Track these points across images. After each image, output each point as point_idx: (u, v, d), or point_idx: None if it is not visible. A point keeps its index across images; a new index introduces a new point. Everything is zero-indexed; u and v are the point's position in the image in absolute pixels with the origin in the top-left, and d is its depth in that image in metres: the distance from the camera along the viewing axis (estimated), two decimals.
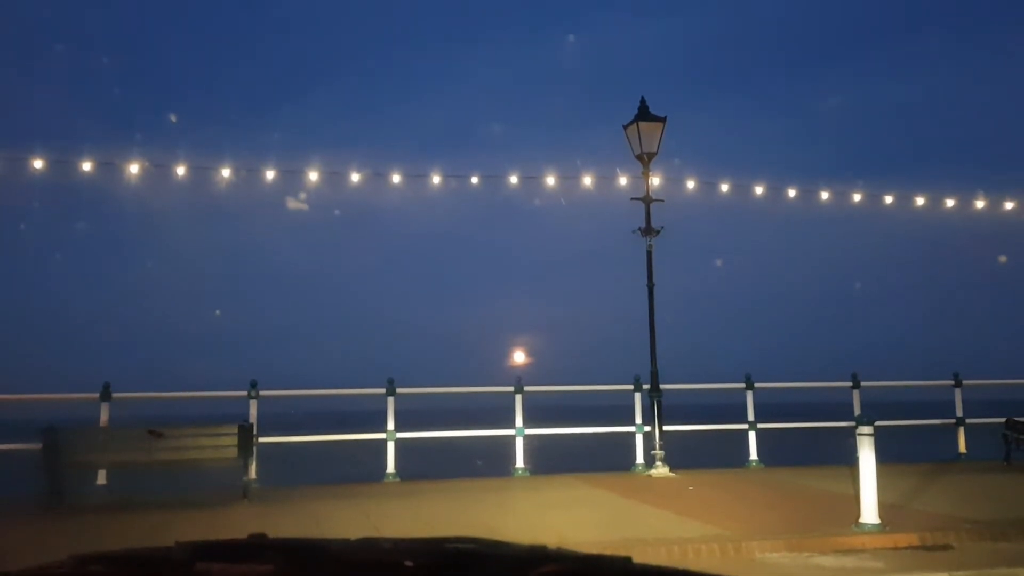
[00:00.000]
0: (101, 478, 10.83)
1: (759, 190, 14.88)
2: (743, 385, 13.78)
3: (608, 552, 1.46)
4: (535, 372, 14.49)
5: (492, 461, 14.35)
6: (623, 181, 13.90)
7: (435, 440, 13.01)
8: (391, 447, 12.05)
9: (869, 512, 7.85)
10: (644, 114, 12.86)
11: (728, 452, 14.06)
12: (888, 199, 15.59)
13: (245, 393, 11.76)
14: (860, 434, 8.29)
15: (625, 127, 13.05)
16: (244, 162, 13.32)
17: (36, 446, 9.79)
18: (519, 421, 12.62)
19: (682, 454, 12.91)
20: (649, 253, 12.72)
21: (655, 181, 13.22)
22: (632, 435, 13.05)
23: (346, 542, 1.50)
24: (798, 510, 9.04)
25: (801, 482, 11.35)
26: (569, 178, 14.21)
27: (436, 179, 13.86)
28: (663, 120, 12.91)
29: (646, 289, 12.66)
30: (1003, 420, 13.26)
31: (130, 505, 9.76)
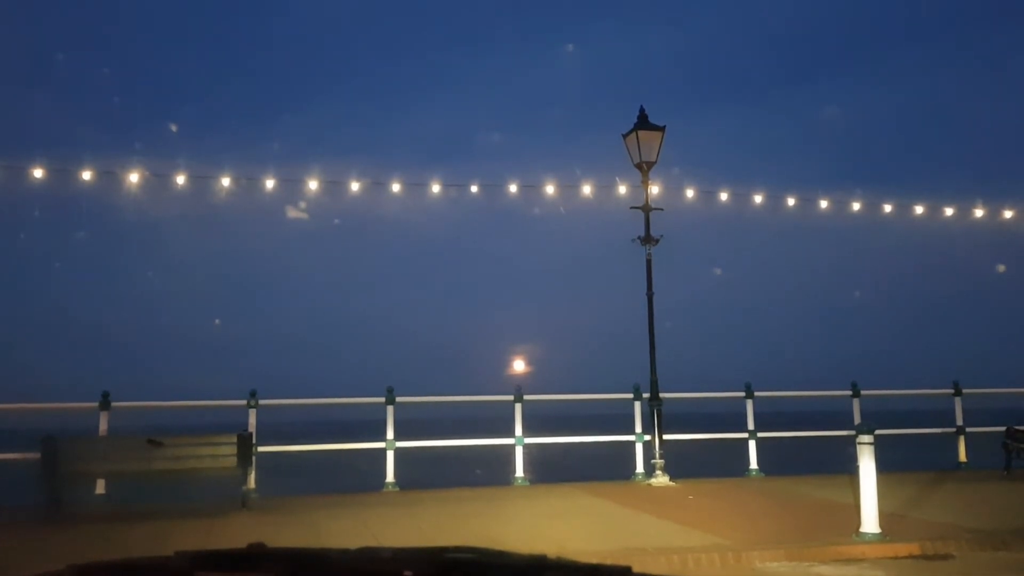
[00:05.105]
0: (100, 487, 10.80)
1: (758, 198, 14.91)
2: (743, 394, 13.77)
3: (608, 562, 1.46)
4: (535, 381, 14.48)
5: (492, 470, 14.34)
6: (622, 190, 13.93)
7: (434, 449, 12.99)
8: (390, 456, 12.03)
9: (869, 521, 7.83)
10: (643, 123, 12.90)
11: (728, 461, 14.04)
12: (887, 207, 15.63)
13: (244, 402, 11.76)
14: (860, 443, 8.27)
15: (624, 136, 13.08)
16: (244, 171, 13.35)
17: (35, 455, 9.76)
18: (519, 430, 12.60)
19: (682, 463, 12.89)
20: (648, 262, 12.73)
21: (654, 190, 13.25)
22: (632, 444, 13.04)
23: (345, 551, 1.50)
24: (798, 519, 9.02)
25: (801, 491, 11.33)
26: (569, 187, 14.24)
27: (436, 188, 13.88)
28: (662, 129, 12.94)
29: (646, 298, 12.67)
30: (1003, 429, 13.24)
31: (129, 514, 9.73)
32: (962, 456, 14.28)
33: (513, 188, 14.06)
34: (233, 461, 9.91)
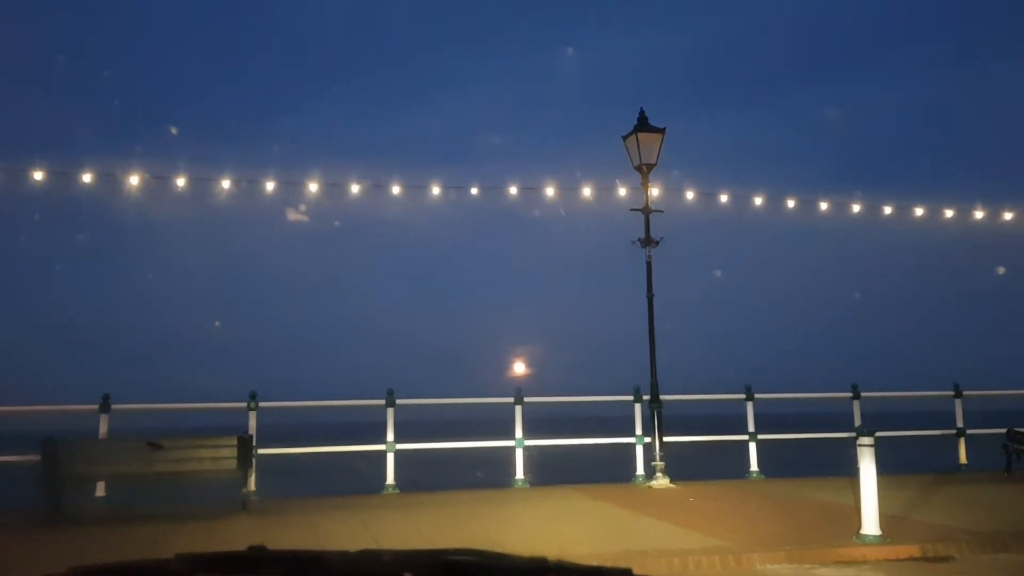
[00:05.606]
0: (100, 490, 10.81)
1: (758, 200, 14.92)
2: (743, 396, 13.77)
3: (609, 564, 1.46)
4: (535, 383, 14.49)
5: (492, 472, 14.33)
6: (622, 192, 13.95)
7: (435, 451, 12.99)
8: (391, 458, 12.03)
9: (870, 523, 7.83)
10: (643, 125, 12.90)
11: (728, 463, 14.03)
12: (887, 209, 15.64)
13: (244, 404, 11.75)
14: (861, 445, 8.28)
15: (624, 138, 13.08)
16: (244, 173, 13.36)
17: (35, 458, 9.77)
18: (519, 432, 12.60)
19: (682, 465, 12.89)
20: (649, 263, 12.73)
21: (654, 192, 13.25)
22: (632, 446, 13.03)
23: (345, 554, 1.50)
24: (799, 521, 9.01)
25: (801, 493, 11.33)
26: (569, 189, 14.26)
27: (436, 190, 13.89)
28: (662, 131, 12.94)
29: (646, 299, 12.67)
30: (1004, 431, 13.24)
31: (129, 517, 9.72)
32: (962, 458, 14.27)
33: (513, 190, 14.08)
34: (233, 463, 9.91)
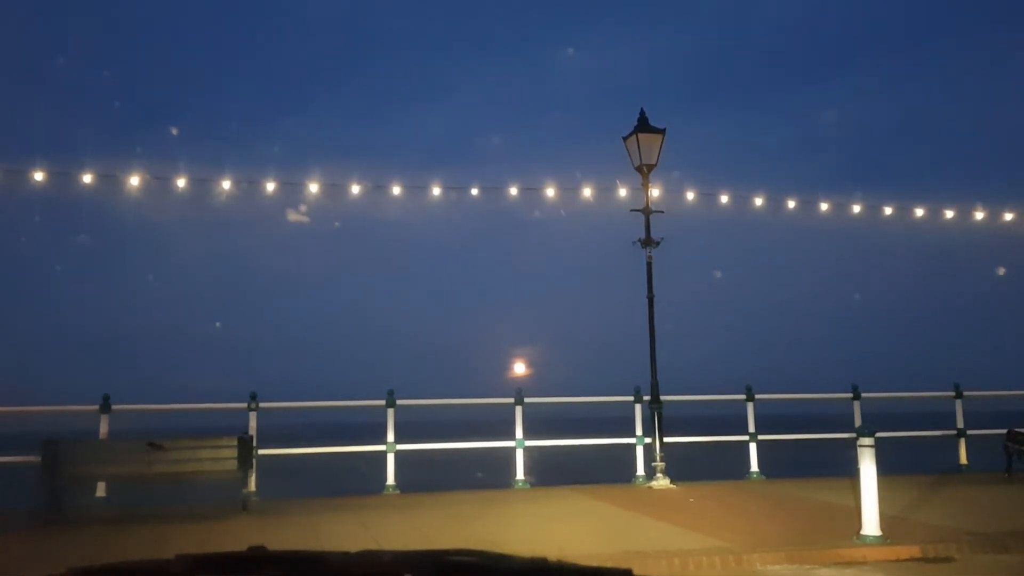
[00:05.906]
0: (101, 490, 10.81)
1: (759, 201, 14.93)
2: (743, 396, 13.76)
3: (609, 564, 1.46)
4: (535, 384, 14.49)
5: (492, 473, 14.32)
6: (623, 193, 13.95)
7: (435, 452, 12.99)
8: (391, 459, 12.03)
9: (870, 524, 7.83)
10: (643, 126, 12.90)
11: (729, 464, 14.03)
12: (887, 209, 15.64)
13: (244, 405, 11.76)
14: (861, 445, 8.28)
15: (624, 139, 13.08)
16: (245, 174, 13.37)
17: (36, 458, 9.77)
18: (519, 433, 12.60)
19: (683, 466, 12.89)
20: (649, 264, 12.73)
21: (655, 192, 13.26)
22: (633, 447, 13.03)
23: (346, 555, 1.50)
24: (799, 522, 9.01)
25: (802, 494, 11.32)
26: (569, 190, 14.26)
27: (436, 191, 13.90)
28: (662, 132, 12.94)
29: (646, 300, 12.67)
30: (1004, 431, 13.23)
31: (130, 517, 9.73)
32: (963, 459, 14.26)
33: (514, 191, 14.09)
34: (233, 464, 9.91)
